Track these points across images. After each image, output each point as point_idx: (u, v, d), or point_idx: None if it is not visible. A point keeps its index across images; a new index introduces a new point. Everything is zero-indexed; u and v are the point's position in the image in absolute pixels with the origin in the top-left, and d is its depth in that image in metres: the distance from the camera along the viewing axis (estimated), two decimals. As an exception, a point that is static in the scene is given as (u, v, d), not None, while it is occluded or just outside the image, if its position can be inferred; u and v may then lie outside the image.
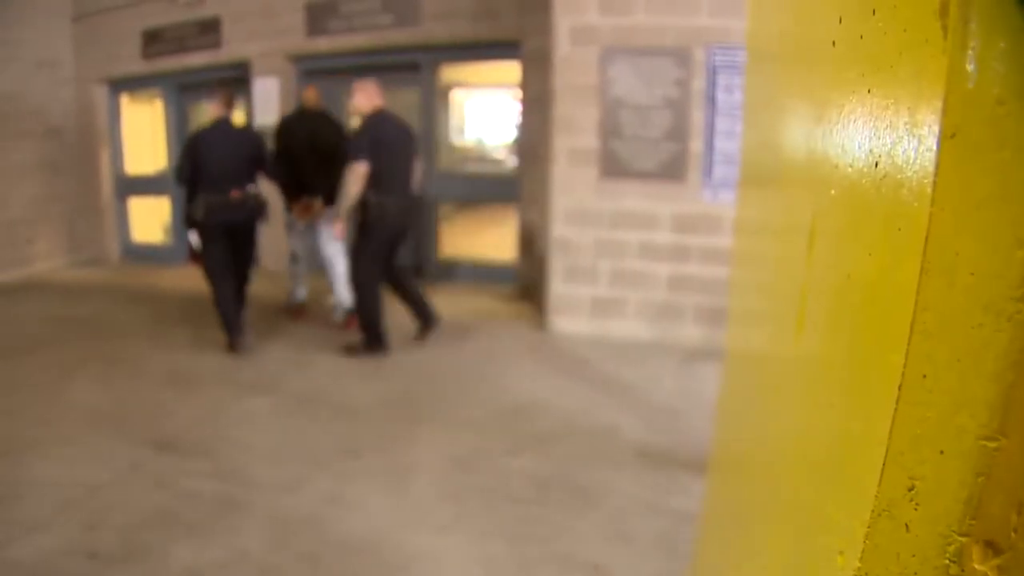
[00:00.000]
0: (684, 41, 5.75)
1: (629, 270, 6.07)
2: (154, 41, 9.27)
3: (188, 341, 6.12)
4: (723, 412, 1.69)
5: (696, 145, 5.83)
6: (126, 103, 10.13)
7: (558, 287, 6.27)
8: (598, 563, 3.04)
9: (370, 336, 5.69)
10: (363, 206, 5.39)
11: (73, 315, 7.08)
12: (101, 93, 9.85)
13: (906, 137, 0.54)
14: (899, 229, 0.54)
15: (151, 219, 10.19)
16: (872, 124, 0.62)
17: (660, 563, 3.05)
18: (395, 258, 5.75)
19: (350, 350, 5.73)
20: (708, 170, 5.81)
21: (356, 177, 5.31)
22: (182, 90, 9.50)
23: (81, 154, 9.84)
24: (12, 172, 8.88)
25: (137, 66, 9.44)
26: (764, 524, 0.98)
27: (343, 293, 6.41)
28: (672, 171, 5.89)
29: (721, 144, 5.77)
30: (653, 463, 3.95)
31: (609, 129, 5.96)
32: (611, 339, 6.05)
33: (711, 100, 5.77)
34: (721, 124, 5.77)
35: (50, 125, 9.45)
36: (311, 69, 8.63)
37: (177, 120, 9.65)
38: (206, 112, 6.99)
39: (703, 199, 5.87)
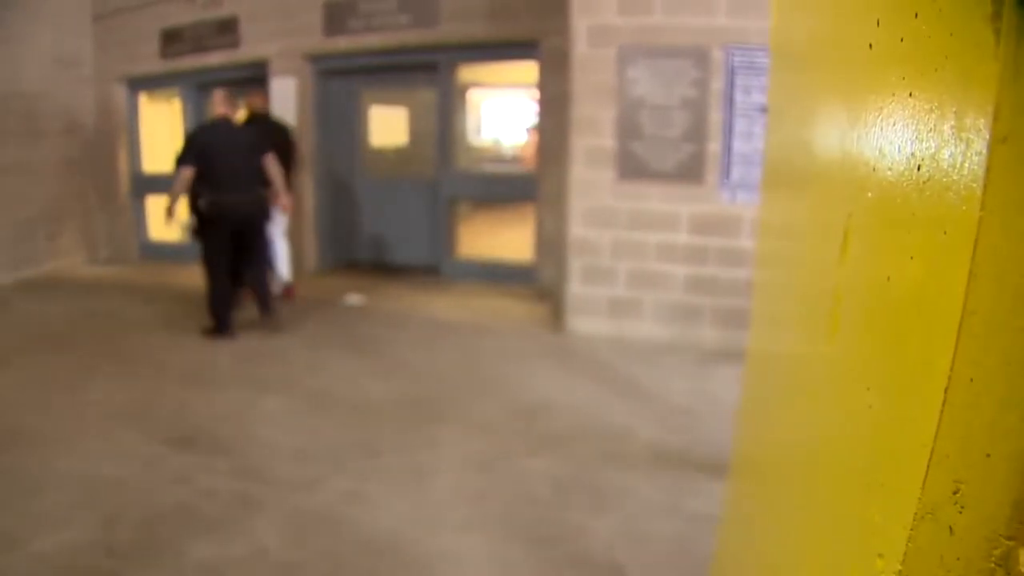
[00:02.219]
0: (702, 41, 5.73)
1: (647, 271, 6.06)
2: (173, 41, 9.32)
3: (205, 339, 6.15)
4: (746, 414, 1.68)
5: (714, 146, 5.82)
6: (145, 102, 10.19)
7: (575, 288, 6.27)
8: (615, 564, 3.04)
9: (216, 322, 6.22)
10: (198, 206, 6.13)
11: (93, 312, 7.14)
12: (120, 92, 9.91)
13: (952, 141, 0.54)
14: (945, 232, 0.54)
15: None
16: (914, 127, 0.62)
17: (677, 565, 3.05)
18: (249, 251, 6.38)
19: (206, 332, 6.25)
20: (726, 171, 5.80)
21: (177, 180, 6.02)
22: (200, 89, 9.54)
23: (100, 152, 9.90)
24: (33, 170, 8.95)
25: (156, 65, 9.50)
26: (795, 527, 0.98)
27: (283, 269, 7.49)
28: (690, 172, 5.87)
29: (739, 145, 5.75)
30: (669, 464, 3.94)
31: (627, 129, 5.95)
32: (628, 340, 6.04)
33: (729, 101, 5.75)
34: (739, 125, 5.75)
35: (70, 123, 9.51)
36: (328, 69, 8.66)
37: (195, 119, 9.69)
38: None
39: (721, 200, 5.85)
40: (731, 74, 5.71)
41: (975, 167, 0.50)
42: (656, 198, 5.97)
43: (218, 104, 6.30)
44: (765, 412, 1.41)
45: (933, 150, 0.58)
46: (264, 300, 6.46)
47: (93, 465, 3.85)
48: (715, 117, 5.80)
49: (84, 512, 3.38)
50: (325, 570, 3.00)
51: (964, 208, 0.52)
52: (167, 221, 6.37)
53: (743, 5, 5.59)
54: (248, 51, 8.85)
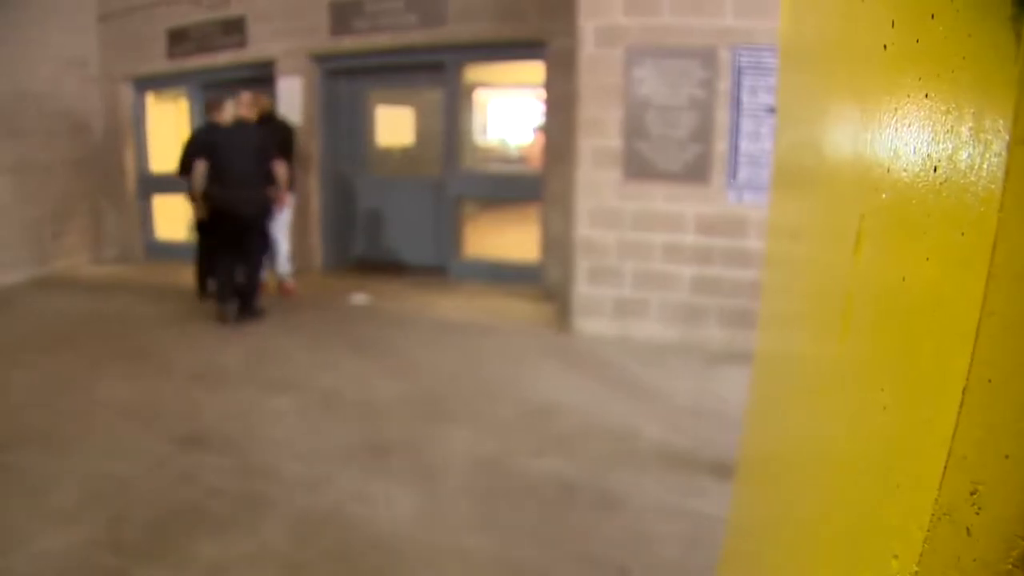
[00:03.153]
0: (709, 42, 5.73)
1: (653, 271, 6.06)
2: (179, 40, 9.34)
3: (214, 338, 6.16)
4: (755, 415, 1.68)
5: (721, 146, 5.81)
6: (151, 102, 10.21)
7: (581, 288, 6.27)
8: (622, 565, 3.04)
9: (220, 307, 6.67)
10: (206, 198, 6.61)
11: (99, 311, 7.16)
12: (127, 92, 9.93)
13: (970, 142, 0.54)
14: (962, 234, 0.54)
15: (175, 217, 10.26)
16: (930, 128, 0.62)
17: (683, 566, 3.05)
18: (249, 247, 6.75)
19: (219, 318, 6.65)
20: (733, 171, 5.79)
21: (194, 173, 6.58)
22: (207, 89, 9.55)
23: (107, 152, 9.93)
24: (40, 169, 8.97)
25: (162, 65, 9.52)
26: (806, 528, 0.98)
27: (283, 265, 7.77)
28: (696, 172, 5.87)
29: (746, 145, 5.75)
30: (676, 465, 3.94)
31: (634, 130, 5.95)
32: (634, 340, 6.04)
33: (736, 101, 5.75)
34: (746, 125, 5.75)
35: (77, 123, 9.54)
36: (335, 68, 8.67)
37: (202, 119, 9.70)
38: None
39: (727, 200, 5.84)
40: (738, 74, 5.71)
41: (994, 169, 0.50)
42: (662, 198, 5.97)
43: (244, 105, 6.68)
44: (774, 413, 1.41)
45: (950, 151, 0.58)
46: (249, 297, 6.76)
47: (100, 463, 3.86)
48: (722, 117, 5.79)
49: (91, 510, 3.39)
50: (332, 569, 3.00)
51: (982, 210, 0.52)
52: (196, 210, 6.93)
53: (750, 5, 5.59)
54: (255, 51, 8.86)
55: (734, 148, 5.78)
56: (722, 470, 3.54)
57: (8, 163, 8.52)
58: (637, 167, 5.99)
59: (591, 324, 6.28)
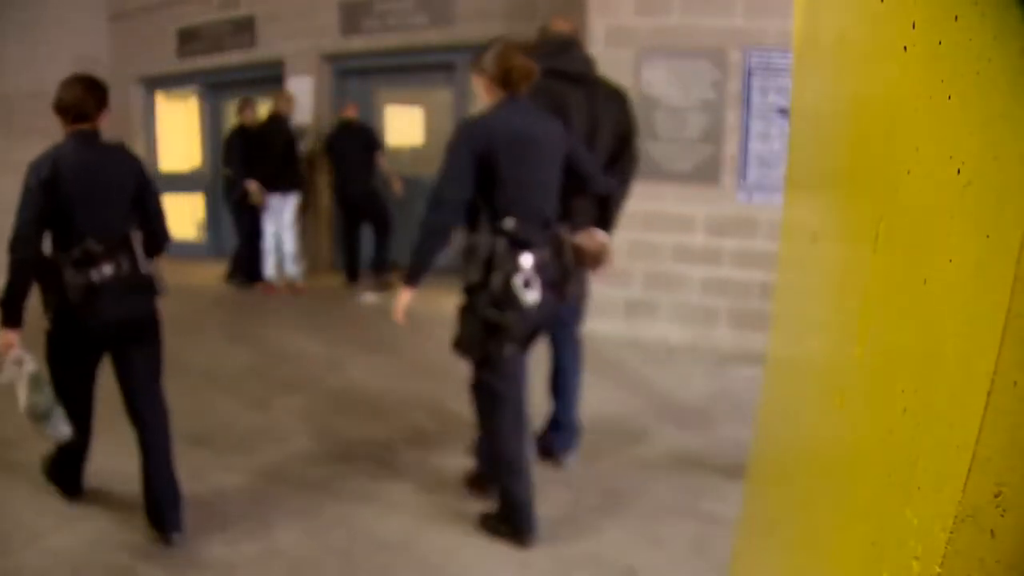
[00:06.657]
0: (720, 42, 5.72)
1: (662, 272, 6.05)
2: (189, 40, 9.37)
3: (222, 337, 6.18)
4: (768, 416, 1.67)
5: (731, 147, 5.80)
6: (161, 101, 10.24)
7: (591, 288, 6.25)
8: (631, 565, 3.04)
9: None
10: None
11: (109, 310, 7.17)
12: (136, 91, 9.97)
13: (996, 144, 0.54)
14: (987, 236, 0.54)
15: (185, 216, 10.28)
16: (953, 130, 0.62)
17: (693, 567, 3.04)
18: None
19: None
20: (743, 172, 5.78)
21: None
22: (217, 89, 9.58)
23: (117, 151, 9.95)
24: (50, 168, 8.99)
25: (172, 65, 9.55)
26: (824, 529, 0.98)
27: (289, 266, 7.89)
28: (707, 173, 5.86)
29: (756, 146, 5.74)
30: (685, 466, 3.93)
31: (644, 131, 5.93)
32: (644, 341, 6.03)
33: (746, 102, 5.73)
34: (756, 126, 5.73)
35: (87, 122, 9.56)
36: (345, 69, 8.68)
37: (211, 118, 9.74)
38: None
39: (737, 201, 5.83)
40: (748, 75, 5.70)
41: (1021, 170, 0.50)
42: (672, 199, 5.96)
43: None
44: (789, 413, 1.41)
45: (975, 153, 0.57)
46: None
47: (108, 460, 3.86)
48: (732, 118, 5.78)
49: (99, 508, 3.41)
50: (338, 568, 3.01)
51: (1008, 212, 0.51)
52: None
53: (760, 6, 5.57)
54: (264, 51, 8.89)
55: (744, 149, 5.76)
56: (732, 471, 3.53)
57: (18, 162, 8.53)
58: (647, 168, 5.96)
59: (601, 325, 6.26)
